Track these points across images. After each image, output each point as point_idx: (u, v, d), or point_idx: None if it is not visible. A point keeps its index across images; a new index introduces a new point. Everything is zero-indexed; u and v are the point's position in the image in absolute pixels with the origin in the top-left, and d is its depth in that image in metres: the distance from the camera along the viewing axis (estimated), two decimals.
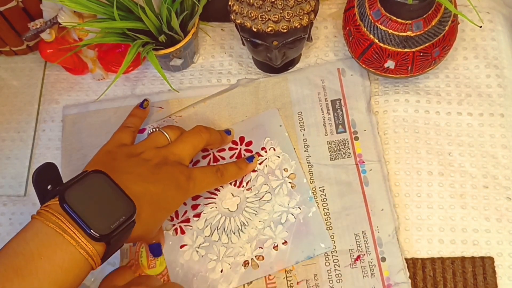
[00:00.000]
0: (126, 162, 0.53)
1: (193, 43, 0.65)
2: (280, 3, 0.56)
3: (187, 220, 0.61)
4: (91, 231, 0.45)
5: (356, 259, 0.58)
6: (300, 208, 0.60)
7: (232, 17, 0.60)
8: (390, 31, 0.57)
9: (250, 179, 0.62)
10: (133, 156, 0.54)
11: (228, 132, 0.63)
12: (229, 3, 0.59)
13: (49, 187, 0.49)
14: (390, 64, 0.60)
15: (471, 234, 0.59)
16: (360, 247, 0.58)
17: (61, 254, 0.44)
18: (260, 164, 0.62)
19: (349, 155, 0.62)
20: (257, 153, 0.63)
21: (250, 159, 0.62)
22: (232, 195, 0.61)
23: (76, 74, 0.70)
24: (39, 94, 0.70)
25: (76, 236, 0.45)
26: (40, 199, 0.49)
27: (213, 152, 0.63)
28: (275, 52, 0.60)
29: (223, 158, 0.63)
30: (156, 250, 0.59)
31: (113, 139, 0.58)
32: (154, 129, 0.60)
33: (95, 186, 0.48)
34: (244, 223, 0.60)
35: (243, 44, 0.64)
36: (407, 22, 0.56)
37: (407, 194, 0.61)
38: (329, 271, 0.58)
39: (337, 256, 0.58)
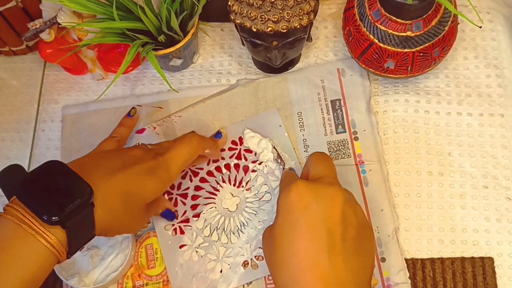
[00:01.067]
0: (100, 157, 0.54)
1: (193, 43, 0.65)
2: (280, 3, 0.56)
3: (187, 220, 0.61)
4: (44, 216, 0.45)
5: None
6: None
7: (232, 17, 0.60)
8: (390, 31, 0.57)
9: (250, 179, 0.62)
10: (114, 152, 0.55)
11: (218, 135, 0.63)
12: (229, 3, 0.59)
13: None
14: (390, 64, 0.60)
15: (471, 235, 0.59)
16: None
17: (20, 245, 0.44)
18: (260, 164, 0.62)
19: (349, 155, 0.62)
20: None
21: (218, 135, 0.63)
22: (232, 195, 0.61)
23: (76, 74, 0.70)
24: (38, 94, 0.70)
25: (34, 225, 0.45)
26: (8, 199, 0.49)
27: None
28: (274, 52, 0.60)
29: (223, 158, 0.63)
30: (169, 216, 0.60)
31: (97, 148, 0.58)
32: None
33: (50, 174, 0.48)
34: (243, 223, 0.60)
35: (243, 44, 0.64)
36: (407, 22, 0.56)
37: (407, 194, 0.61)
38: None
39: None
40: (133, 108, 0.64)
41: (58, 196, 0.46)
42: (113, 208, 0.50)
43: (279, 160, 0.62)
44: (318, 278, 0.45)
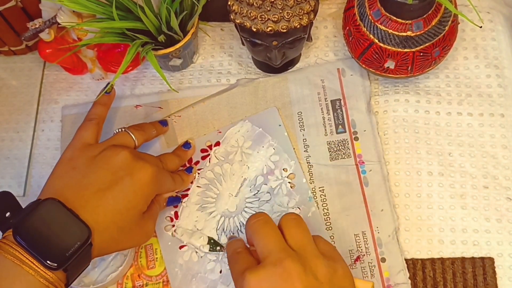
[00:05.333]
0: (86, 169, 0.52)
1: (193, 43, 0.65)
2: (280, 3, 0.56)
3: (186, 221, 0.61)
4: (47, 262, 0.45)
5: (356, 260, 0.58)
6: (299, 208, 0.60)
7: (232, 17, 0.60)
8: (390, 31, 0.57)
9: (249, 178, 0.62)
10: (93, 160, 0.53)
11: (187, 145, 0.62)
12: (229, 3, 0.59)
13: (7, 214, 0.49)
14: (390, 64, 0.60)
15: (471, 235, 0.59)
16: (360, 247, 0.58)
17: (20, 284, 0.44)
18: (259, 164, 0.62)
19: (349, 156, 0.62)
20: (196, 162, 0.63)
21: (189, 169, 0.62)
22: (231, 195, 0.61)
23: (75, 74, 0.70)
24: (38, 94, 0.70)
25: (35, 265, 0.45)
26: None
27: (212, 152, 0.63)
28: (274, 52, 0.60)
29: (223, 158, 0.63)
30: (174, 202, 0.60)
31: (75, 138, 0.55)
32: (120, 129, 0.58)
33: (48, 215, 0.48)
34: (243, 224, 0.60)
35: (243, 44, 0.64)
36: (407, 22, 0.56)
37: (407, 194, 0.60)
38: None
39: None
40: (109, 83, 0.61)
41: (58, 240, 0.47)
42: (105, 235, 0.50)
43: (218, 248, 0.59)
44: None
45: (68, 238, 0.47)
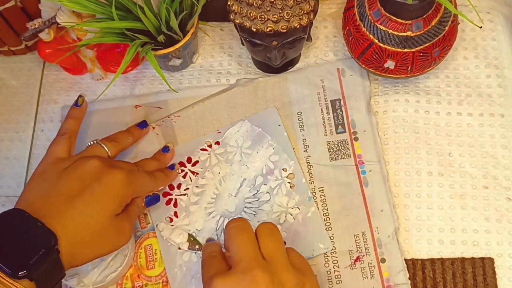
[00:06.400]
0: (56, 180, 0.52)
1: (192, 43, 0.65)
2: (280, 3, 0.56)
3: (186, 221, 0.61)
4: (9, 271, 0.45)
5: (356, 260, 0.58)
6: (299, 208, 0.60)
7: (231, 17, 0.60)
8: (390, 31, 0.57)
9: (249, 178, 0.61)
10: (64, 171, 0.53)
11: (166, 149, 0.63)
12: (228, 3, 0.59)
13: None
14: (390, 64, 0.60)
15: (471, 235, 0.59)
16: (359, 248, 0.58)
17: None
18: (258, 164, 0.62)
19: (348, 156, 0.62)
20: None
21: (172, 167, 0.62)
22: (231, 195, 0.61)
23: (75, 74, 0.70)
24: (37, 94, 0.70)
25: (2, 278, 0.45)
26: None
27: (212, 152, 0.63)
28: (274, 52, 0.60)
29: (223, 158, 0.63)
30: (152, 201, 0.59)
31: (47, 153, 0.56)
32: (93, 142, 0.58)
33: (9, 225, 0.47)
34: None
35: (243, 44, 0.64)
36: (407, 22, 0.56)
37: (407, 194, 0.60)
38: (328, 272, 0.57)
39: (336, 257, 0.58)
40: (80, 96, 0.61)
41: (22, 248, 0.46)
42: (76, 239, 0.49)
43: (197, 247, 0.59)
44: None
45: (32, 245, 0.46)
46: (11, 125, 0.68)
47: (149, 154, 0.63)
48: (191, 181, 0.62)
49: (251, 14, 0.57)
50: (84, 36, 0.63)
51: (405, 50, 0.58)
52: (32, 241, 0.47)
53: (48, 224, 0.48)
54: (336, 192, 0.60)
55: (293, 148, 0.63)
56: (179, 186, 0.62)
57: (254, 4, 0.56)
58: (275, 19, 0.57)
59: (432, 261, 0.58)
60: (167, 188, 0.62)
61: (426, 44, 0.57)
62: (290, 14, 0.57)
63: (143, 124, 0.63)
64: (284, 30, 0.57)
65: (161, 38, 0.61)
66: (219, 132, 0.64)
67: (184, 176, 0.63)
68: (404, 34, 0.57)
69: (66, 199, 0.50)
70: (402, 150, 0.62)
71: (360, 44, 0.60)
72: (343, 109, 0.64)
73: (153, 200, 0.59)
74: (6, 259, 0.45)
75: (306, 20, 0.58)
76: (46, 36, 0.63)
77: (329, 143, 0.62)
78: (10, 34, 0.66)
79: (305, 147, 0.63)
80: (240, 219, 0.51)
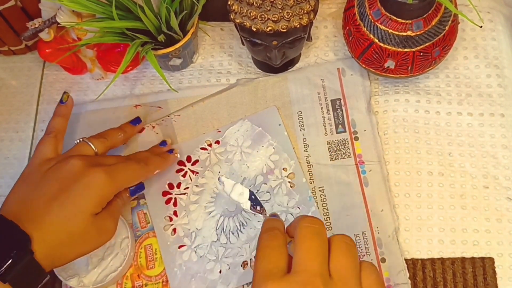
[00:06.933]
0: (37, 183, 0.52)
1: (192, 42, 0.65)
2: (280, 3, 0.56)
3: (186, 220, 0.61)
4: None
5: None
6: (299, 208, 0.60)
7: (232, 16, 0.60)
8: (390, 30, 0.57)
9: (249, 178, 0.61)
10: (46, 173, 0.53)
11: (163, 143, 0.63)
12: (229, 3, 0.59)
13: None
14: (390, 64, 0.60)
15: (471, 235, 0.59)
16: (359, 248, 0.58)
17: None
18: (259, 163, 0.62)
19: (349, 155, 0.62)
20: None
21: (170, 151, 0.62)
22: None
23: (75, 73, 0.70)
24: (37, 94, 0.70)
25: None
26: None
27: (212, 151, 0.63)
28: (274, 52, 0.60)
29: (223, 157, 0.63)
30: (137, 191, 0.59)
31: (34, 154, 0.56)
32: (80, 140, 0.57)
33: None
34: (242, 223, 0.60)
35: (243, 43, 0.64)
36: (407, 21, 0.56)
37: (407, 194, 0.60)
38: None
39: None
40: (65, 93, 0.60)
41: None
42: (54, 242, 0.49)
43: (258, 208, 0.52)
44: None
45: (3, 248, 0.46)
46: (11, 125, 0.68)
47: None
48: (191, 180, 0.62)
49: (251, 14, 0.57)
50: (84, 36, 0.63)
51: (405, 49, 0.58)
52: (4, 244, 0.47)
53: (24, 227, 0.48)
54: (336, 192, 0.60)
55: (293, 148, 0.63)
56: (178, 185, 0.62)
57: (254, 3, 0.56)
58: (275, 19, 0.57)
59: (432, 261, 0.58)
60: (167, 187, 0.62)
61: (426, 44, 0.57)
62: (290, 14, 0.57)
63: (136, 121, 0.63)
64: (284, 30, 0.57)
65: (161, 37, 0.61)
66: (219, 131, 0.64)
67: (184, 175, 0.62)
68: (404, 33, 0.57)
69: (45, 202, 0.50)
70: (402, 149, 0.62)
71: (360, 44, 0.60)
72: (343, 108, 0.64)
73: (137, 189, 0.59)
74: None
75: (306, 19, 0.58)
76: (46, 35, 0.63)
77: (329, 143, 0.62)
78: (10, 34, 0.66)
79: (305, 146, 0.63)
80: (318, 220, 0.44)
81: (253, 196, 0.52)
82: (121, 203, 0.57)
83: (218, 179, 0.59)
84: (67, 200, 0.51)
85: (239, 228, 0.60)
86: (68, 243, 0.50)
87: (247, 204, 0.52)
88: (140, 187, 0.59)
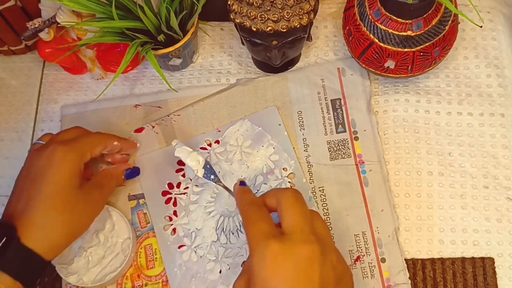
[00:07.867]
0: (23, 179, 0.55)
1: (192, 42, 0.65)
2: (280, 3, 0.56)
3: (185, 220, 0.61)
4: None
5: (356, 260, 0.58)
6: None
7: (232, 16, 0.60)
8: (390, 30, 0.57)
9: (249, 178, 0.61)
10: (27, 173, 0.55)
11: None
12: (229, 3, 0.59)
13: None
14: (390, 63, 0.59)
15: (471, 235, 0.59)
16: (360, 247, 0.58)
17: None
18: (259, 163, 0.62)
19: (349, 155, 0.62)
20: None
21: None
22: (231, 194, 0.61)
23: (75, 73, 0.70)
24: (37, 93, 0.70)
25: None
26: None
27: (212, 151, 0.63)
28: (274, 52, 0.60)
29: (222, 157, 0.63)
30: (133, 174, 0.61)
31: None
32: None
33: None
34: (243, 223, 0.60)
35: (243, 43, 0.64)
36: (407, 21, 0.56)
37: (407, 194, 0.60)
38: None
39: None
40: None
41: None
42: (43, 220, 0.50)
43: (212, 177, 0.58)
44: None
45: None
46: (11, 125, 0.68)
47: (149, 154, 0.63)
48: (191, 180, 0.62)
49: (251, 14, 0.57)
50: (84, 36, 0.63)
51: (405, 49, 0.58)
52: None
53: (9, 221, 0.50)
54: (336, 192, 0.60)
55: (293, 148, 0.62)
56: (178, 185, 0.62)
57: (254, 3, 0.56)
58: (275, 19, 0.57)
59: (433, 261, 0.58)
60: (167, 187, 0.62)
61: (427, 44, 0.57)
62: (290, 14, 0.57)
63: (134, 172, 0.63)
64: (284, 30, 0.57)
65: (161, 37, 0.61)
66: (219, 131, 0.64)
67: (184, 175, 0.62)
68: (404, 33, 0.57)
69: (26, 196, 0.52)
70: (402, 149, 0.62)
71: (360, 44, 0.60)
72: (343, 108, 0.64)
73: (133, 173, 0.61)
74: None
75: (306, 19, 0.58)
76: (46, 35, 0.62)
77: (329, 143, 0.62)
78: (10, 34, 0.66)
79: (305, 146, 0.63)
80: (297, 191, 0.50)
81: (208, 166, 0.58)
82: (114, 183, 0.59)
83: (172, 143, 0.59)
84: (44, 181, 0.52)
85: (239, 228, 0.60)
86: (61, 220, 0.51)
87: (201, 172, 0.57)
88: (136, 171, 0.61)
